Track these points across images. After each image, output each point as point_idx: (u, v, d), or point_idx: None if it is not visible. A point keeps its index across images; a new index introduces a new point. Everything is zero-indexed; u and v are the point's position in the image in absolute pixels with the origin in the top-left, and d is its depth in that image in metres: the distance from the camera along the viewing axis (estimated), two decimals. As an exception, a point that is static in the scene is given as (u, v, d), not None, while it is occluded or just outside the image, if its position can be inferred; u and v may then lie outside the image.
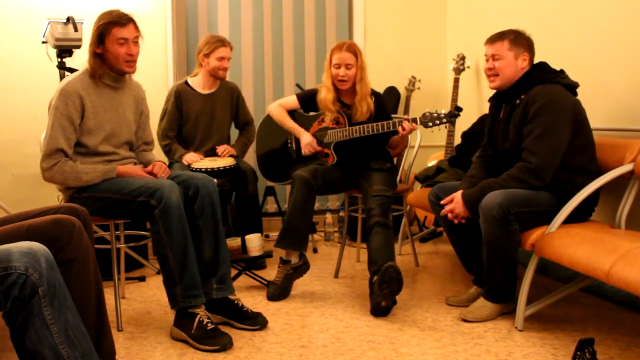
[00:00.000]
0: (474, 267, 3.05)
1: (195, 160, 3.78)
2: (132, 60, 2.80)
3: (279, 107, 3.61)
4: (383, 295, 2.88)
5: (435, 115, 3.18)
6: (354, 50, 3.34)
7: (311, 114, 3.60)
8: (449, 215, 2.87)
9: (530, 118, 2.72)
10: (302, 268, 3.29)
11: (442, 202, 2.93)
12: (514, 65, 2.84)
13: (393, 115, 3.51)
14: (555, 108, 2.68)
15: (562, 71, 2.83)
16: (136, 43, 2.80)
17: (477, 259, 2.95)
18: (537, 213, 2.68)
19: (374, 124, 3.27)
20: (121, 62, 2.77)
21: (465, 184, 2.97)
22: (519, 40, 2.85)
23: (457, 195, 2.85)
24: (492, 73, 2.90)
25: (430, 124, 3.19)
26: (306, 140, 3.49)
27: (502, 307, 2.86)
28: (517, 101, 2.81)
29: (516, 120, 2.80)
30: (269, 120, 3.74)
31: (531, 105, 2.72)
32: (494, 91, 3.06)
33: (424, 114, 3.20)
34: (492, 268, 2.80)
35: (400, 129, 3.20)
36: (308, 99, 3.54)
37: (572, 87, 2.80)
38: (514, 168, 2.75)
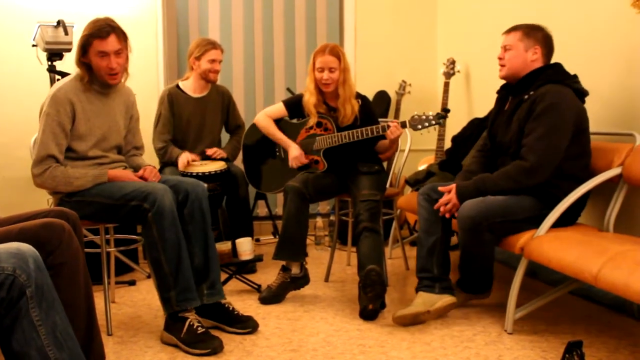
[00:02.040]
0: (424, 269, 2.93)
1: (191, 160, 3.79)
2: (113, 73, 2.77)
3: (266, 117, 3.56)
4: (369, 299, 2.90)
5: (424, 117, 3.18)
6: (336, 53, 3.32)
7: (297, 121, 3.58)
8: (442, 208, 2.85)
9: (535, 116, 2.70)
10: (301, 281, 3.28)
11: (440, 188, 2.90)
12: (522, 57, 2.83)
13: (382, 120, 3.51)
14: (562, 110, 2.68)
15: (575, 76, 2.81)
16: (119, 55, 2.74)
17: (439, 260, 2.91)
18: (514, 221, 2.70)
19: (363, 129, 3.26)
20: (103, 74, 2.76)
21: (461, 178, 2.98)
22: (533, 32, 2.84)
23: (453, 187, 2.86)
24: (500, 63, 2.90)
25: (419, 126, 3.19)
26: (294, 153, 3.44)
27: (471, 296, 2.98)
28: (525, 96, 2.80)
29: (521, 115, 2.78)
30: (255, 129, 3.69)
31: (538, 103, 2.70)
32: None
33: (412, 117, 3.21)
34: (466, 270, 2.92)
35: (388, 133, 3.20)
36: (295, 104, 3.51)
37: (582, 93, 2.79)
38: (510, 166, 2.75)
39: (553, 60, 2.89)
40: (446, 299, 2.87)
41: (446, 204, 2.84)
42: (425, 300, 2.86)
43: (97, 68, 2.74)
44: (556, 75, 2.79)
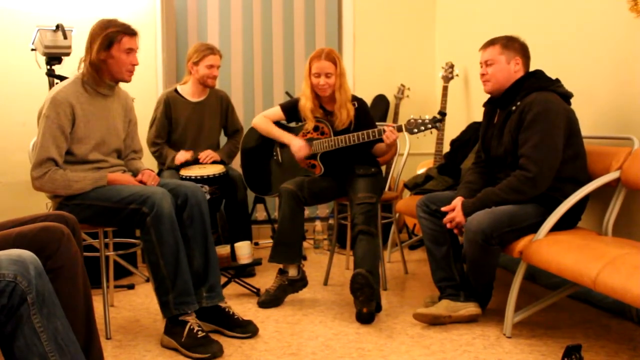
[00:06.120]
0: (445, 278, 2.97)
1: (186, 157, 3.80)
2: (133, 70, 2.84)
3: (263, 118, 3.56)
4: (360, 302, 2.91)
5: (420, 121, 3.18)
6: (332, 58, 3.30)
7: (294, 125, 3.58)
8: (448, 224, 2.85)
9: (527, 126, 2.71)
10: (299, 284, 3.28)
11: (443, 209, 2.90)
12: (505, 70, 2.86)
13: (380, 124, 3.50)
14: (551, 116, 2.69)
15: (557, 80, 2.84)
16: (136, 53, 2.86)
17: (457, 267, 2.95)
18: (521, 229, 2.70)
19: (359, 133, 3.26)
20: (124, 71, 2.81)
21: (463, 191, 2.97)
22: (511, 44, 2.87)
23: (458, 204, 2.85)
24: (485, 79, 2.93)
25: (415, 130, 3.19)
26: (297, 144, 3.40)
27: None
28: (513, 107, 2.81)
29: (512, 126, 2.80)
30: (253, 133, 3.70)
31: (527, 113, 2.72)
32: (483, 99, 3.08)
33: (409, 120, 3.20)
34: (473, 282, 2.89)
35: (384, 137, 3.19)
36: (292, 108, 3.50)
37: (567, 96, 2.81)
38: (513, 178, 2.75)
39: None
40: (471, 309, 2.89)
41: (451, 221, 2.84)
42: (449, 306, 2.89)
43: (119, 64, 2.78)
44: (539, 82, 2.80)
